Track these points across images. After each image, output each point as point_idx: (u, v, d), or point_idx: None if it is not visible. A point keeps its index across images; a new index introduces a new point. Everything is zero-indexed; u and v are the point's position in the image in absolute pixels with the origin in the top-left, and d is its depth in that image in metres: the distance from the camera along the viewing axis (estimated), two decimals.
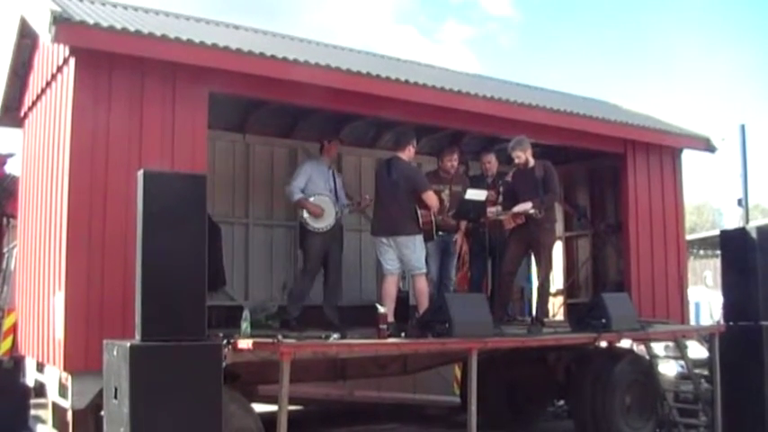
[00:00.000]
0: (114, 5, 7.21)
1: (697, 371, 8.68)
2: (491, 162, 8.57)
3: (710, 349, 8.46)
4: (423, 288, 7.04)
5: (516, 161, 7.53)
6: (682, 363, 8.86)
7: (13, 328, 8.15)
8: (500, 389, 8.88)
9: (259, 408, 6.58)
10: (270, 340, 5.49)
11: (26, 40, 7.45)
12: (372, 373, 7.97)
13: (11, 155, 9.32)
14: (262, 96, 7.30)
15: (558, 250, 10.21)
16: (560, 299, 10.79)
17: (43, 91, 7.00)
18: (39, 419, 7.86)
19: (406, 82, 7.27)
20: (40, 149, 6.96)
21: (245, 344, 5.50)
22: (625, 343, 8.39)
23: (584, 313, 7.87)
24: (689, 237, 15.32)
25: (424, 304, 6.97)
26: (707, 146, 9.97)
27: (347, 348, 6.12)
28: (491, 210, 7.61)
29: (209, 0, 67.75)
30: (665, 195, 9.64)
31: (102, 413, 5.14)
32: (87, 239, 5.72)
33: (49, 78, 6.72)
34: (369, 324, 6.54)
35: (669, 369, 9.25)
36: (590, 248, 10.76)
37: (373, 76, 7.04)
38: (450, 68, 11.06)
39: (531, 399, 9.23)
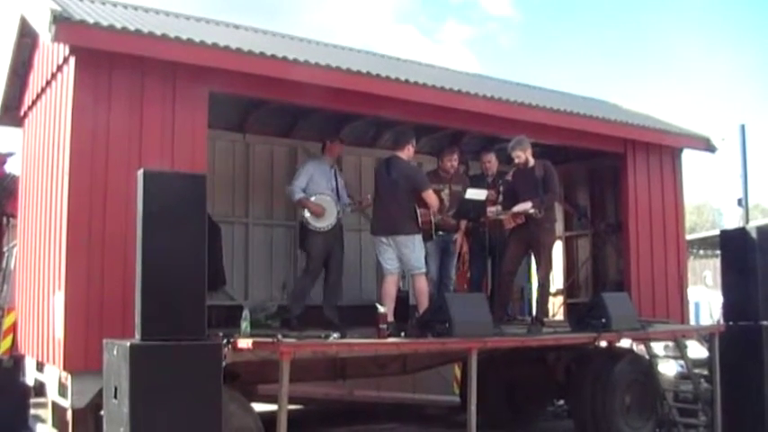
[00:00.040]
0: (114, 5, 7.21)
1: (697, 371, 8.68)
2: (491, 162, 8.57)
3: (710, 349, 8.46)
4: (422, 288, 7.04)
5: (516, 161, 7.53)
6: (681, 362, 8.87)
7: (13, 328, 8.15)
8: (500, 388, 8.88)
9: (259, 407, 6.59)
10: (269, 340, 5.49)
11: (26, 40, 7.45)
12: (372, 372, 7.97)
13: (11, 154, 9.32)
14: (262, 96, 7.30)
15: (557, 250, 10.21)
16: (560, 299, 10.79)
17: (43, 90, 7.00)
18: (38, 419, 7.86)
19: (406, 81, 7.27)
20: (40, 149, 6.96)
21: (244, 343, 5.50)
22: (625, 343, 8.38)
23: (583, 313, 7.88)
24: (689, 236, 15.32)
25: (423, 304, 6.97)
26: (707, 146, 9.98)
27: (347, 348, 6.12)
28: (491, 209, 7.61)
29: None
30: (665, 195, 9.64)
31: (102, 413, 5.14)
32: (87, 239, 5.72)
33: (48, 77, 6.72)
34: (369, 324, 6.54)
35: (669, 369, 9.26)
36: (590, 248, 10.76)
37: (373, 75, 7.04)
38: (450, 68, 11.06)
39: (530, 398, 9.23)
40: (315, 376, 7.60)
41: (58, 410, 6.49)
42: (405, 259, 7.01)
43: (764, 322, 8.23)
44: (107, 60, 5.89)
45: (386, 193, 7.12)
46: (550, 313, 9.28)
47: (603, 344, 7.97)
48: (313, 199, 7.53)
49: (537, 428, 9.19)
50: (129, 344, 4.56)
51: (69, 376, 5.72)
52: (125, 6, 7.37)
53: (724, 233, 9.56)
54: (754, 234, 8.61)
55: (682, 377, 9.02)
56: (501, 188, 7.88)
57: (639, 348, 8.62)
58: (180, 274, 4.76)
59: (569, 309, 10.53)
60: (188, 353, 4.71)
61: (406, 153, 7.21)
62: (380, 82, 7.07)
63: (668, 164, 9.76)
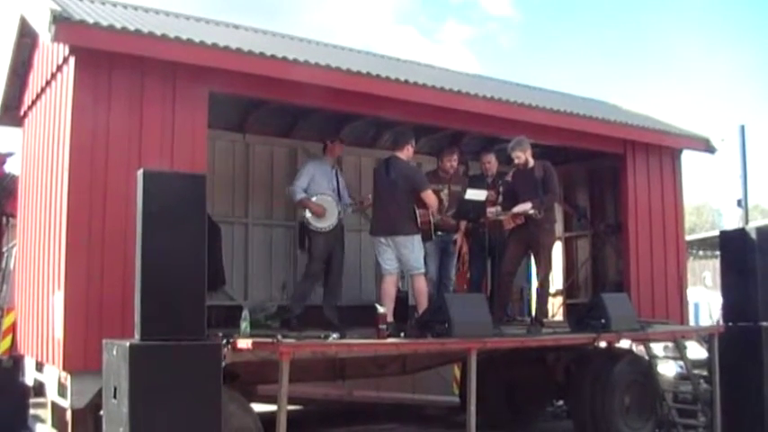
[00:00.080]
0: (114, 5, 7.21)
1: (696, 371, 8.68)
2: (491, 162, 8.57)
3: (710, 350, 8.46)
4: (422, 288, 7.04)
5: (516, 161, 7.53)
6: (681, 363, 8.86)
7: (13, 328, 8.14)
8: (499, 389, 8.88)
9: (258, 407, 6.59)
10: (269, 340, 5.49)
11: (26, 39, 7.45)
12: (371, 373, 7.97)
13: (10, 154, 9.32)
14: (262, 96, 7.30)
15: (557, 250, 10.20)
16: (560, 299, 10.79)
17: (43, 90, 7.00)
18: (38, 419, 7.87)
19: (406, 82, 7.27)
20: (40, 149, 6.96)
21: (244, 343, 5.50)
22: (624, 343, 8.39)
23: (583, 313, 7.88)
24: (688, 237, 15.32)
25: (423, 304, 6.97)
26: (706, 146, 9.98)
27: (346, 348, 6.12)
28: (491, 210, 7.61)
29: None
30: (665, 196, 9.65)
31: (102, 413, 5.14)
32: (87, 239, 5.72)
33: (48, 77, 6.72)
34: (368, 324, 6.54)
35: (668, 369, 9.26)
36: (589, 249, 10.76)
37: (373, 75, 7.04)
38: (450, 68, 11.06)
39: (530, 399, 9.23)
40: (314, 376, 7.60)
41: (57, 410, 6.49)
42: (404, 259, 7.01)
43: (764, 323, 8.23)
44: (107, 60, 5.89)
45: (385, 193, 7.12)
46: (550, 314, 9.27)
47: (603, 344, 7.98)
48: (314, 199, 7.54)
49: (536, 429, 9.19)
50: (128, 344, 4.56)
51: (69, 376, 5.72)
52: (125, 6, 7.37)
53: (723, 234, 9.56)
54: (753, 235, 8.60)
55: (681, 378, 9.02)
56: (501, 189, 7.89)
57: (639, 349, 8.62)
58: (180, 274, 4.76)
59: (569, 309, 10.53)
60: (188, 353, 4.71)
61: (406, 153, 7.21)
62: (380, 82, 7.07)
63: (668, 164, 9.77)
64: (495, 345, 6.74)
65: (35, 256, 6.88)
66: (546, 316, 8.04)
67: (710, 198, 52.36)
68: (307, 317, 7.45)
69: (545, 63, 77.50)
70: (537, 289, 7.80)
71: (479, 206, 7.70)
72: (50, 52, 6.58)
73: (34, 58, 7.51)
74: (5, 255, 10.07)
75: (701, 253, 19.59)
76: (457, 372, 9.68)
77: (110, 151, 5.88)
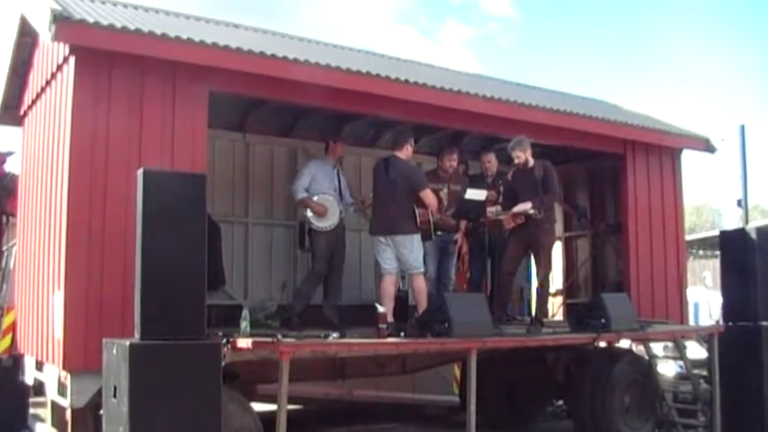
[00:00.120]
0: (114, 4, 7.21)
1: (696, 371, 8.68)
2: (491, 162, 8.57)
3: (709, 350, 8.47)
4: (421, 287, 7.04)
5: (516, 161, 7.53)
6: (681, 363, 8.87)
7: (13, 327, 8.14)
8: (499, 389, 8.89)
9: (258, 407, 6.59)
10: (269, 339, 5.49)
11: (26, 39, 7.45)
12: (371, 372, 7.97)
13: (10, 153, 9.32)
14: (262, 95, 7.30)
15: (557, 250, 10.20)
16: (560, 299, 10.79)
17: (43, 89, 7.00)
18: (38, 418, 7.87)
19: (406, 81, 7.27)
20: (40, 148, 6.95)
21: (244, 343, 5.50)
22: (624, 343, 8.39)
23: (583, 313, 7.88)
24: (688, 237, 15.31)
25: (422, 303, 6.97)
26: (706, 146, 9.98)
27: (346, 348, 6.12)
28: (491, 210, 7.61)
29: None
30: (665, 196, 9.65)
31: (102, 412, 5.14)
32: (87, 238, 5.72)
33: (48, 77, 6.72)
34: (368, 323, 6.54)
35: (668, 369, 9.26)
36: (589, 249, 10.76)
37: (373, 75, 7.04)
38: (450, 68, 11.06)
39: (530, 399, 9.23)
40: (314, 376, 7.60)
41: (57, 410, 6.49)
42: (403, 259, 7.01)
43: (764, 323, 8.23)
44: (107, 60, 5.89)
45: (384, 192, 7.11)
46: (550, 313, 9.27)
47: (603, 344, 7.98)
48: (315, 199, 7.54)
49: (536, 429, 9.19)
50: (128, 343, 4.56)
51: (69, 375, 5.72)
52: (125, 6, 7.36)
53: (723, 234, 9.56)
54: (753, 235, 8.61)
55: (681, 378, 9.02)
56: (501, 188, 7.89)
57: (639, 349, 8.63)
58: (180, 274, 4.76)
59: (569, 309, 10.52)
60: (187, 352, 4.71)
61: (405, 153, 7.20)
62: (380, 82, 7.07)
63: (668, 164, 9.77)
64: (495, 344, 6.74)
65: (35, 256, 6.88)
66: (546, 316, 8.04)
67: (710, 198, 52.36)
68: (307, 316, 7.45)
69: (545, 63, 77.57)
70: (537, 289, 7.80)
71: (479, 206, 7.70)
72: (50, 51, 6.58)
73: (34, 57, 7.50)
74: (5, 254, 10.07)
75: (701, 253, 19.59)
76: (457, 371, 9.67)
77: (110, 151, 5.87)
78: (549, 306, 8.74)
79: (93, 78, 5.90)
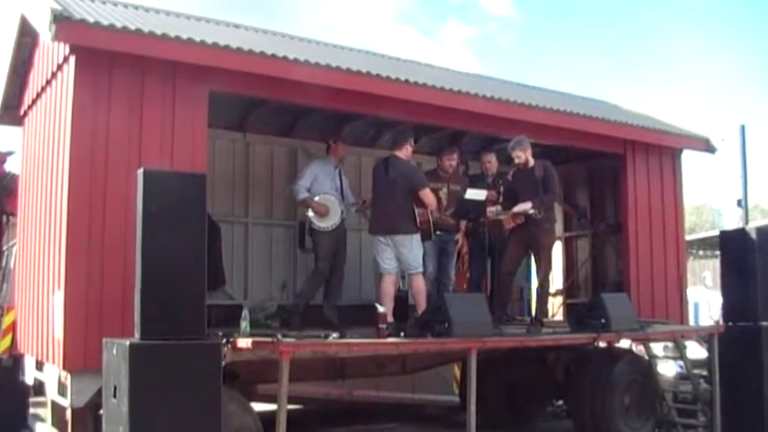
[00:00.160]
0: (114, 4, 7.21)
1: (696, 371, 8.68)
2: (491, 162, 8.57)
3: (709, 350, 8.46)
4: (420, 287, 7.04)
5: (516, 161, 7.53)
6: (681, 363, 8.86)
7: (13, 327, 8.15)
8: (499, 389, 8.88)
9: (258, 407, 6.59)
10: (269, 339, 5.49)
11: (26, 39, 7.45)
12: (371, 372, 7.97)
13: (10, 153, 9.32)
14: (262, 95, 7.31)
15: (557, 250, 10.20)
16: (560, 299, 10.79)
17: (43, 89, 7.00)
18: (38, 418, 7.87)
19: (406, 81, 7.27)
20: (40, 148, 6.95)
21: (244, 343, 5.50)
22: (624, 343, 8.38)
23: (583, 313, 7.88)
24: (688, 237, 15.31)
25: (421, 303, 6.97)
26: (707, 146, 9.98)
27: (346, 348, 6.12)
28: (491, 210, 7.61)
29: None
30: (665, 196, 9.65)
31: (101, 412, 5.14)
32: (87, 238, 5.72)
33: (49, 77, 6.72)
34: (368, 323, 6.54)
35: (668, 369, 9.25)
36: (589, 249, 10.76)
37: (373, 75, 7.04)
38: (450, 68, 11.06)
39: (530, 399, 9.24)
40: (314, 376, 7.60)
41: (57, 410, 6.49)
42: (402, 258, 7.01)
43: (764, 323, 8.23)
44: (107, 60, 5.89)
45: (384, 192, 7.12)
46: (550, 313, 9.27)
47: (603, 344, 7.97)
48: (317, 198, 7.55)
49: (536, 429, 9.19)
50: (128, 343, 4.56)
51: (69, 375, 5.72)
52: (125, 6, 7.36)
53: (723, 234, 9.56)
54: (753, 235, 8.61)
55: (681, 378, 9.02)
56: (501, 188, 7.89)
57: (639, 349, 8.62)
58: (180, 274, 4.76)
59: (569, 309, 10.52)
60: (187, 352, 4.71)
61: (405, 152, 7.21)
62: (380, 82, 7.07)
63: (668, 164, 9.77)
64: (494, 344, 6.74)
65: (35, 256, 6.88)
66: (546, 316, 8.04)
67: (710, 198, 52.32)
68: (307, 316, 7.46)
69: (545, 63, 77.56)
70: (537, 289, 7.80)
71: (479, 206, 7.70)
72: (51, 51, 6.58)
73: (34, 57, 7.50)
74: (5, 253, 10.07)
75: (700, 253, 19.59)
76: (457, 371, 9.68)
77: (110, 151, 5.87)
78: (549, 306, 8.74)
79: (94, 78, 5.90)
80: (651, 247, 9.38)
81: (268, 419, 5.74)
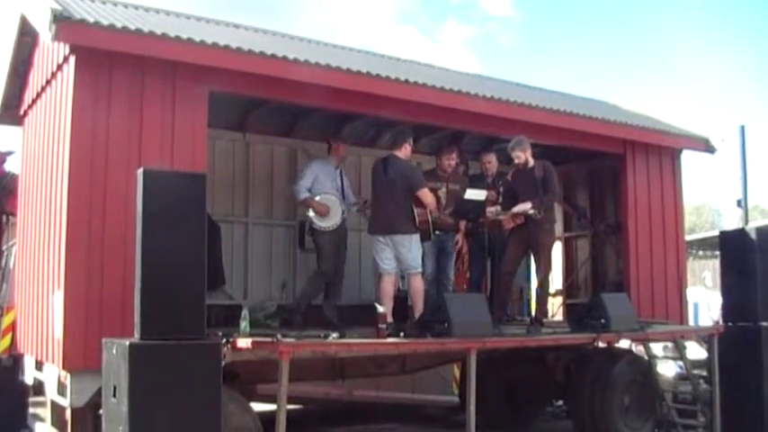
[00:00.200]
0: (114, 4, 7.21)
1: (696, 371, 8.68)
2: (491, 162, 8.57)
3: (709, 350, 8.46)
4: (418, 287, 7.04)
5: (516, 161, 7.53)
6: (680, 363, 8.86)
7: (12, 326, 8.14)
8: (499, 389, 8.88)
9: (258, 407, 6.60)
10: (269, 339, 5.49)
11: (26, 38, 7.45)
12: (371, 372, 7.97)
13: (10, 153, 9.32)
14: (262, 95, 7.31)
15: (557, 250, 10.21)
16: (559, 299, 10.79)
17: (43, 89, 7.00)
18: (37, 418, 7.87)
19: (406, 81, 7.27)
20: (40, 148, 6.95)
21: (244, 343, 5.50)
22: (624, 343, 8.38)
23: (583, 313, 7.88)
24: (688, 237, 15.31)
25: (418, 304, 6.97)
26: (706, 146, 9.98)
27: (346, 348, 6.12)
28: (490, 210, 7.61)
29: None
30: (665, 196, 9.65)
31: (101, 412, 5.14)
32: (87, 238, 5.72)
33: (49, 76, 6.72)
34: (368, 323, 6.54)
35: (668, 369, 9.25)
36: (589, 249, 10.76)
37: (373, 75, 7.04)
38: (450, 68, 11.06)
39: (529, 399, 9.24)
40: (314, 376, 7.60)
41: (57, 409, 6.49)
42: (402, 258, 7.01)
43: (763, 323, 8.23)
44: (107, 59, 5.89)
45: (383, 192, 7.12)
46: (550, 314, 9.27)
47: (602, 344, 7.97)
48: (318, 198, 7.55)
49: (536, 429, 9.19)
50: (128, 343, 4.56)
51: (68, 375, 5.72)
52: (125, 6, 7.36)
53: (723, 234, 9.56)
54: (753, 235, 8.61)
55: (681, 378, 9.02)
56: (501, 188, 7.89)
57: (638, 349, 8.62)
58: (179, 274, 4.76)
59: (569, 309, 10.52)
60: (187, 352, 4.71)
61: (404, 152, 7.21)
62: (380, 82, 7.07)
63: (668, 165, 9.77)
64: (494, 344, 6.74)
65: (35, 255, 6.88)
66: (546, 316, 8.04)
67: (710, 198, 52.29)
68: (307, 316, 7.46)
69: (545, 63, 77.57)
70: (537, 289, 7.80)
71: (479, 206, 7.70)
72: (51, 51, 6.58)
73: (34, 56, 7.50)
74: (5, 253, 10.07)
75: (700, 253, 19.59)
76: (456, 371, 9.67)
77: (110, 151, 5.87)
78: (549, 306, 8.73)
79: (94, 78, 5.90)
80: (651, 247, 9.38)
81: (268, 419, 5.74)
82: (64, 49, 6.02)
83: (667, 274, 9.46)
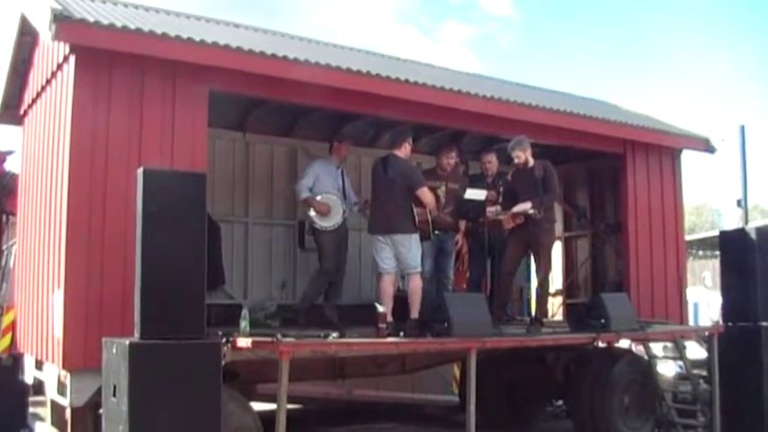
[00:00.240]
0: (114, 3, 7.21)
1: (695, 371, 8.68)
2: (491, 162, 8.56)
3: (709, 350, 8.47)
4: (416, 287, 7.03)
5: (516, 161, 7.53)
6: (680, 363, 8.87)
7: (12, 326, 8.14)
8: (499, 389, 8.89)
9: (258, 406, 6.59)
10: (269, 339, 5.49)
11: (26, 38, 7.45)
12: (371, 372, 7.97)
13: (10, 152, 9.32)
14: (262, 95, 7.30)
15: (557, 250, 10.21)
16: (559, 299, 10.79)
17: (43, 88, 7.00)
18: (37, 417, 7.87)
19: (406, 81, 7.27)
20: (40, 147, 6.95)
21: (244, 342, 5.50)
22: (624, 343, 8.38)
23: (583, 313, 7.89)
24: (688, 237, 15.30)
25: (415, 303, 6.96)
26: (706, 146, 9.98)
27: (346, 347, 6.12)
28: (490, 209, 7.61)
29: None
30: (665, 196, 9.65)
31: (101, 411, 5.14)
32: (87, 238, 5.72)
33: (49, 76, 6.72)
34: (368, 323, 6.55)
35: (668, 369, 9.26)
36: (589, 249, 10.76)
37: (373, 75, 7.04)
38: (450, 68, 11.06)
39: (529, 399, 9.24)
40: (314, 376, 7.60)
41: (56, 409, 6.49)
42: (401, 258, 7.00)
43: (763, 323, 8.23)
44: (107, 59, 5.89)
45: (383, 191, 7.11)
46: (550, 313, 9.27)
47: (602, 344, 7.97)
48: (319, 198, 7.56)
49: (536, 428, 9.19)
50: (128, 342, 4.56)
51: (68, 375, 5.72)
52: (125, 5, 7.37)
53: (723, 234, 9.57)
54: (753, 235, 8.61)
55: (680, 378, 9.02)
56: (501, 188, 7.89)
57: (638, 349, 8.63)
58: (179, 274, 4.76)
59: (568, 309, 10.52)
60: (187, 352, 4.71)
61: (403, 151, 7.20)
62: (380, 82, 7.07)
63: (668, 164, 9.77)
64: (494, 344, 6.74)
65: (35, 255, 6.88)
66: (546, 316, 8.04)
67: (710, 198, 52.34)
68: (307, 316, 7.46)
69: (545, 63, 77.57)
70: (537, 289, 7.80)
71: (479, 206, 7.70)
72: (51, 51, 6.58)
73: (34, 56, 7.50)
74: (5, 253, 10.07)
75: (700, 253, 19.59)
76: (456, 371, 9.67)
77: (110, 150, 5.87)
78: (549, 306, 8.74)
79: (94, 78, 5.90)
80: (651, 247, 9.38)
81: (268, 419, 5.74)
82: (64, 48, 6.02)
83: (667, 274, 9.47)
